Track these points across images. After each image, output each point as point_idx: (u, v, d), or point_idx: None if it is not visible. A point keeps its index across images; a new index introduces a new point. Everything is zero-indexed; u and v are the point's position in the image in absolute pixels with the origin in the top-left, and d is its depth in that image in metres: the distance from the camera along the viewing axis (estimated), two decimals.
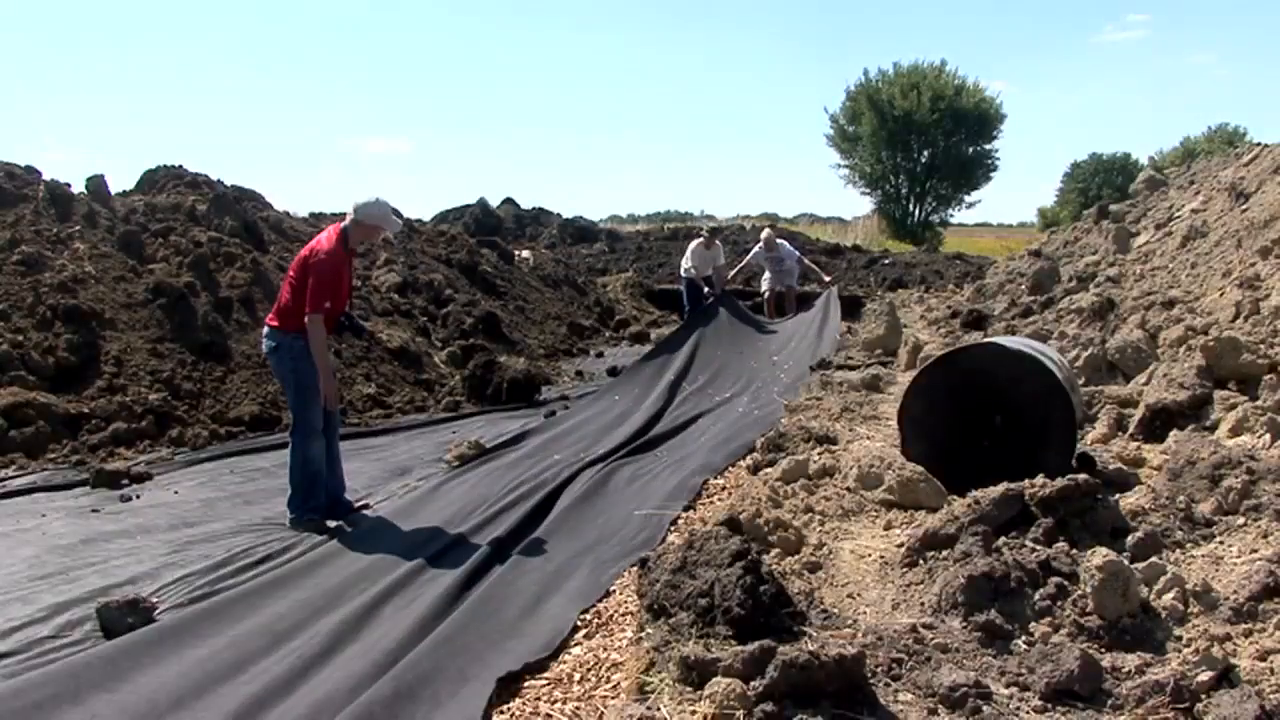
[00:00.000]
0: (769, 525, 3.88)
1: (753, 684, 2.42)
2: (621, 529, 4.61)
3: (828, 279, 13.96)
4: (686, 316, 12.06)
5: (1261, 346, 5.20)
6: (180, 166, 10.79)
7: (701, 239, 12.62)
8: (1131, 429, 5.13)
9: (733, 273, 13.10)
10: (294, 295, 4.59)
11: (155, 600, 3.70)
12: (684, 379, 8.90)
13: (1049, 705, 2.51)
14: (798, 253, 14.05)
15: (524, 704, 2.93)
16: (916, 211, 37.87)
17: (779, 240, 13.36)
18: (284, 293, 4.67)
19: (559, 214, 25.80)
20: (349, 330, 5.19)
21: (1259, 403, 4.72)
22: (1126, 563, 2.97)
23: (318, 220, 12.20)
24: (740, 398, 8.13)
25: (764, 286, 13.20)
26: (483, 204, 24.02)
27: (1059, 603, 2.98)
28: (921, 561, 3.48)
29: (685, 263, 12.51)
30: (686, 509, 4.94)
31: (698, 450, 6.20)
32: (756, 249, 13.19)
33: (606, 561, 4.16)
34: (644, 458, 6.09)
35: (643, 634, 3.09)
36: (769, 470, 5.02)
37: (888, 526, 4.18)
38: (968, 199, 38.59)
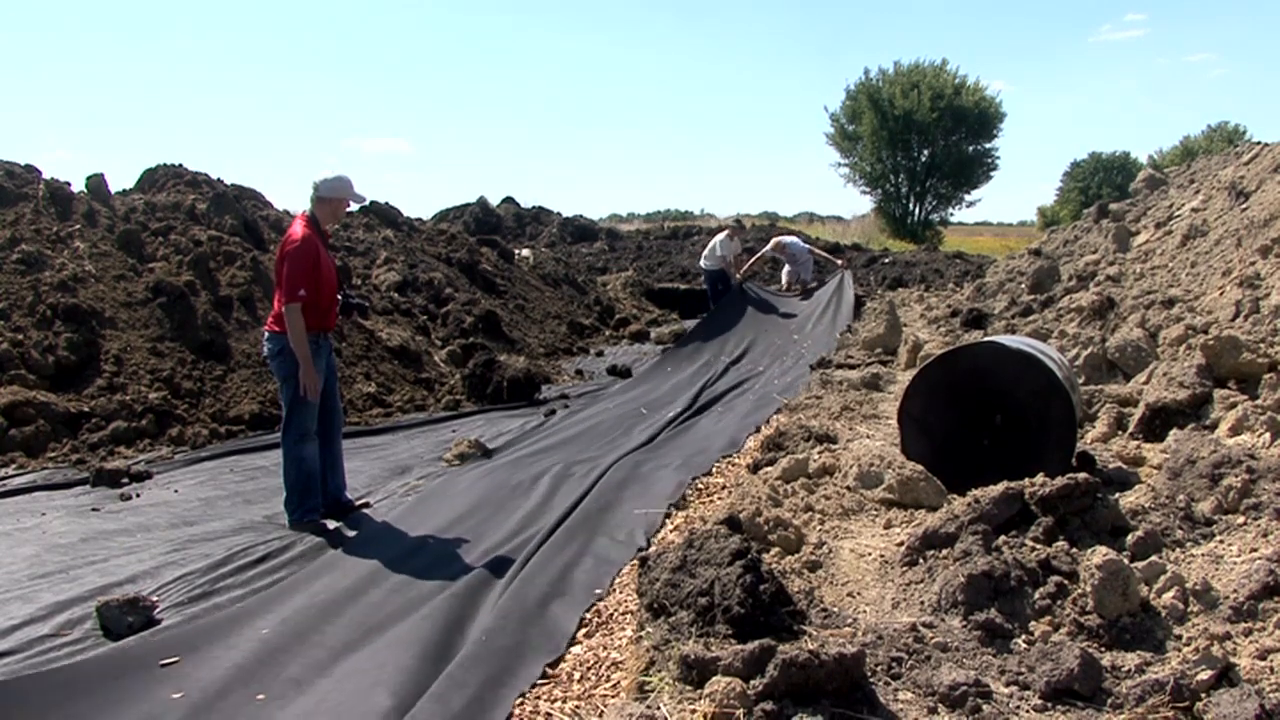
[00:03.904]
0: (769, 524, 3.88)
1: (752, 683, 2.42)
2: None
3: (840, 262, 14.77)
4: (712, 304, 12.91)
5: (1261, 345, 5.20)
6: (180, 165, 10.78)
7: (727, 230, 13.58)
8: (1131, 428, 5.13)
9: (743, 270, 13.43)
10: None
11: (155, 599, 3.70)
12: (723, 355, 10.57)
13: (1049, 704, 2.51)
14: (807, 245, 14.91)
15: (523, 703, 2.92)
16: (916, 210, 37.85)
17: (787, 239, 14.35)
18: (276, 298, 4.65)
19: (559, 213, 25.79)
20: (355, 310, 5.10)
21: (1259, 401, 4.72)
22: (1126, 562, 2.97)
23: None
24: (771, 369, 9.68)
25: (784, 279, 14.13)
26: (483, 203, 24.02)
27: (1059, 602, 2.98)
28: (921, 560, 3.48)
29: (713, 253, 13.16)
30: (679, 508, 4.94)
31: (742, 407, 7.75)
32: (766, 248, 14.18)
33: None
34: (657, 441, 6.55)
35: (643, 633, 3.09)
36: (769, 469, 5.02)
37: (888, 525, 4.18)
38: (968, 198, 38.60)
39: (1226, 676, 2.50)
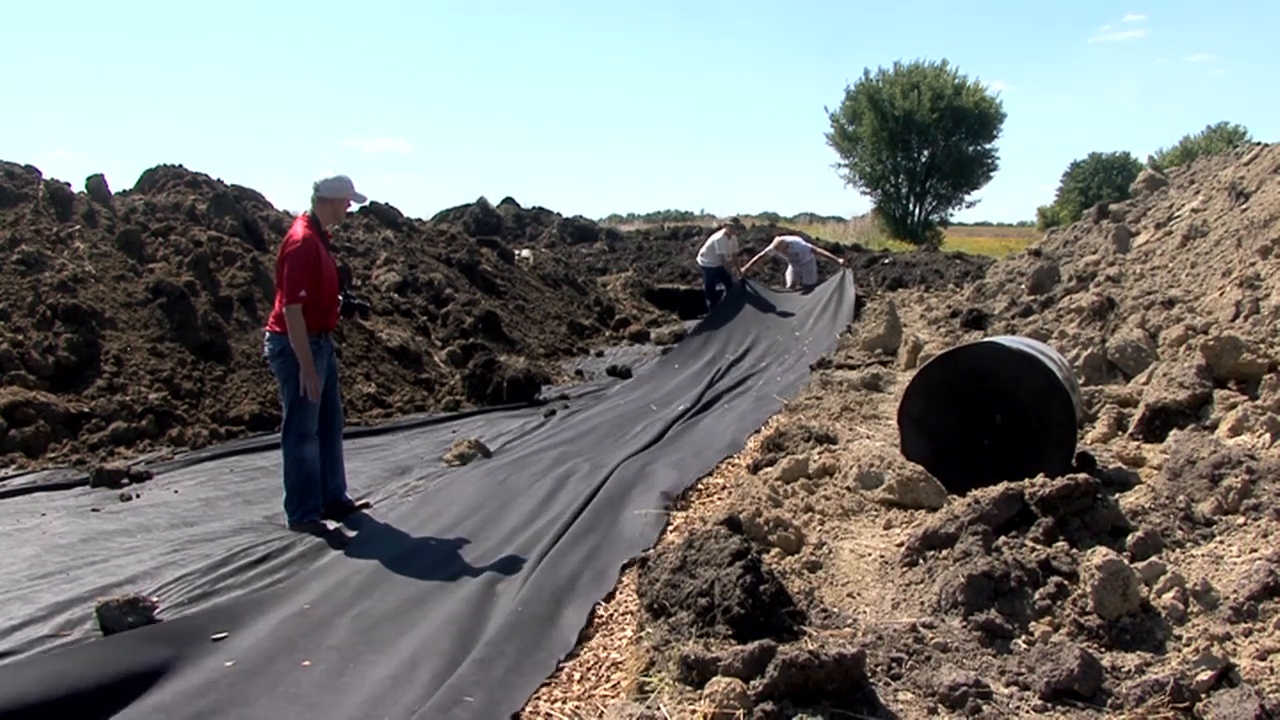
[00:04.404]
0: (769, 524, 3.88)
1: (752, 683, 2.42)
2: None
3: (841, 260, 15.17)
4: (710, 303, 13.11)
5: (1261, 346, 5.20)
6: (180, 166, 10.77)
7: (724, 229, 13.82)
8: (1131, 428, 5.13)
9: (744, 269, 13.56)
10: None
11: (155, 600, 3.70)
12: (726, 352, 10.68)
13: (1049, 704, 2.51)
14: (810, 245, 15.20)
15: (524, 703, 2.92)
16: (917, 211, 37.84)
17: (790, 239, 14.60)
18: (277, 298, 4.65)
19: (559, 213, 25.80)
20: (356, 310, 5.10)
21: (1259, 402, 4.72)
22: (1126, 562, 2.97)
23: None
24: (772, 368, 9.79)
25: (788, 279, 14.30)
26: (483, 203, 24.02)
27: (1059, 602, 2.98)
28: (921, 561, 3.48)
29: (711, 251, 13.38)
30: (680, 508, 4.94)
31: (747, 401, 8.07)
32: (769, 248, 14.42)
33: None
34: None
35: (643, 633, 3.09)
36: (769, 469, 5.02)
37: (888, 526, 4.18)
38: (968, 198, 38.59)
39: (1226, 677, 2.50)
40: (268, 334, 4.73)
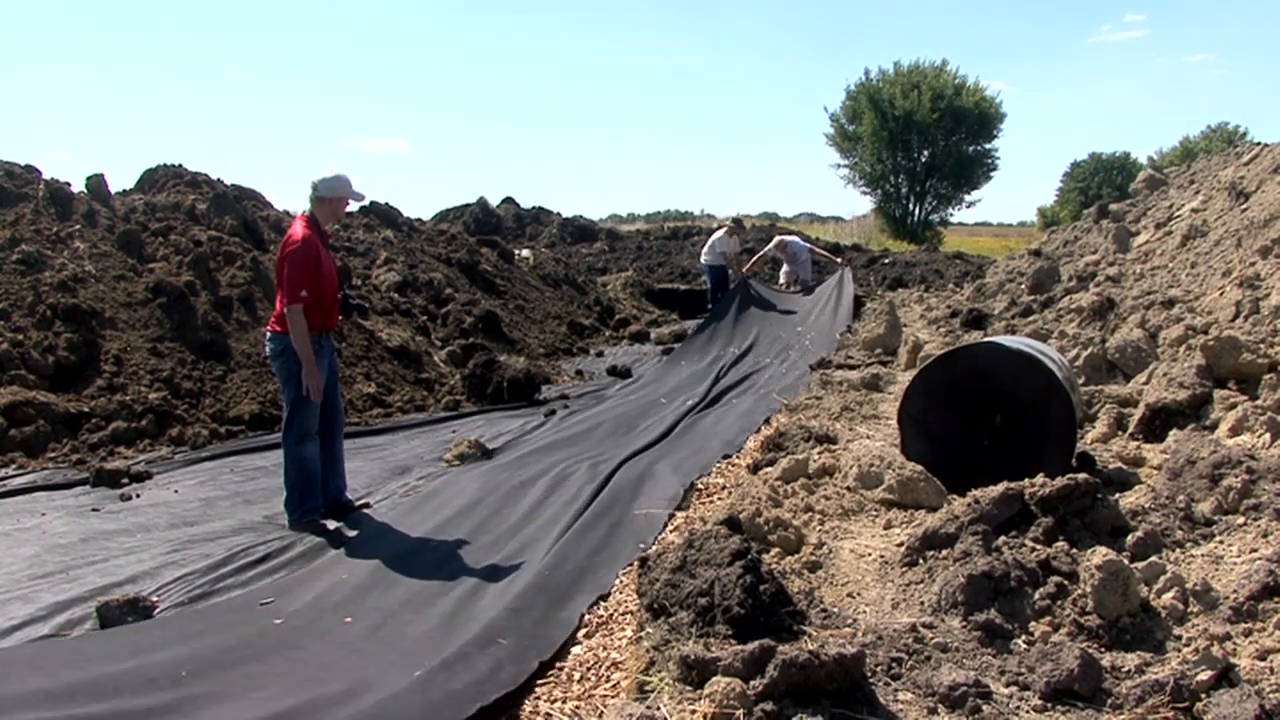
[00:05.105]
0: (769, 524, 3.87)
1: (752, 683, 2.42)
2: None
3: (840, 260, 15.36)
4: (713, 301, 13.24)
5: (1261, 346, 5.20)
6: (180, 166, 10.76)
7: (726, 228, 14.07)
8: (1131, 428, 5.13)
9: (745, 268, 13.67)
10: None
11: (155, 599, 3.70)
12: (730, 349, 10.83)
13: (1049, 704, 2.51)
14: (808, 245, 15.39)
15: (524, 704, 2.92)
16: (916, 211, 37.84)
17: (789, 238, 14.80)
18: (278, 298, 4.65)
19: (559, 213, 25.80)
20: (355, 310, 5.10)
21: (1259, 402, 4.72)
22: (1126, 562, 2.97)
23: None
24: (773, 367, 9.92)
25: (781, 279, 14.36)
26: (483, 203, 24.03)
27: (1059, 602, 2.98)
28: (921, 561, 3.48)
29: (713, 249, 13.56)
30: (680, 508, 4.94)
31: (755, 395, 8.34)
32: (768, 248, 14.66)
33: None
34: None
35: (643, 633, 3.09)
36: (769, 469, 5.02)
37: (888, 526, 4.18)
38: (968, 198, 38.60)
39: (1226, 677, 2.50)
40: (269, 334, 4.73)
